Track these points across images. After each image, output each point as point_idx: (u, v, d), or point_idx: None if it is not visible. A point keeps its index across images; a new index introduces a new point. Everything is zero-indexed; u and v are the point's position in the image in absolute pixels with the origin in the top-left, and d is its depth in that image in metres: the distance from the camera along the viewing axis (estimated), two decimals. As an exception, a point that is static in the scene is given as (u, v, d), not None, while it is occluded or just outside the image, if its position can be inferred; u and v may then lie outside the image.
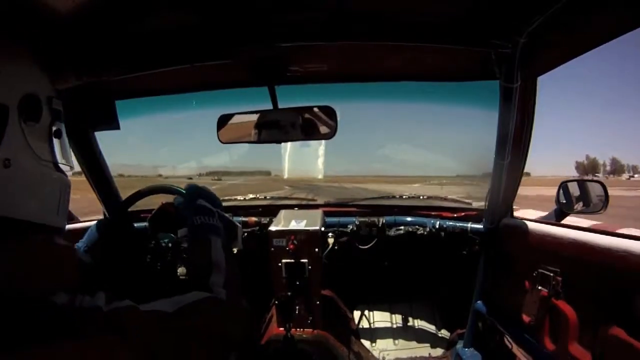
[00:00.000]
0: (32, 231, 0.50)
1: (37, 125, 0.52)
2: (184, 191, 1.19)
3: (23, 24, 0.72)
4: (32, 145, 0.51)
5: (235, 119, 1.27)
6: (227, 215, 1.45)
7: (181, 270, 1.14)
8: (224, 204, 1.84)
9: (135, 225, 1.10)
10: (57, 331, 0.39)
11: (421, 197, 1.84)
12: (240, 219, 1.65)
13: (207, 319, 0.55)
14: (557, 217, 1.38)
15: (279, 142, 1.31)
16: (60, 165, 0.58)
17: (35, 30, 0.77)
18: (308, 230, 1.46)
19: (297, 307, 1.51)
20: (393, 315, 1.96)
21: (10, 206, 0.48)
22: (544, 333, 1.09)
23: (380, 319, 1.96)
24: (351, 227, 1.58)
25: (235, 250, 1.45)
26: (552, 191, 1.39)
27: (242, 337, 0.62)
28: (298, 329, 1.51)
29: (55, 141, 0.57)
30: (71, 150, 1.37)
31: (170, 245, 1.10)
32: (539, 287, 1.08)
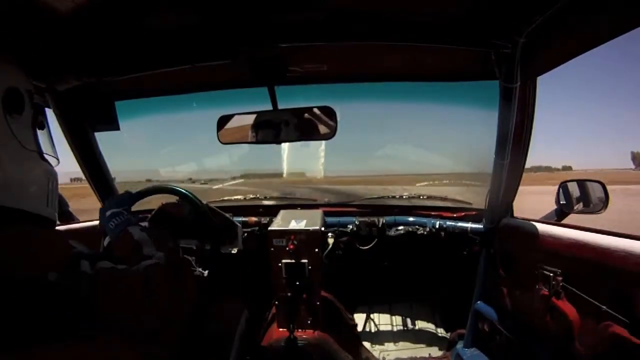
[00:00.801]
0: (26, 221, 0.52)
1: (21, 117, 0.55)
2: (182, 190, 1.20)
3: (23, 23, 0.72)
4: (18, 136, 0.53)
5: (235, 120, 1.27)
6: (227, 215, 1.45)
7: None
8: (224, 204, 1.85)
9: None
10: (57, 330, 0.39)
11: (421, 197, 1.84)
12: (240, 219, 1.65)
13: (159, 275, 0.64)
14: (557, 217, 1.38)
15: (279, 142, 1.31)
16: (46, 157, 0.61)
17: (35, 30, 0.77)
18: (308, 230, 1.46)
19: (297, 308, 1.50)
20: (393, 316, 1.96)
21: (2, 194, 0.49)
22: (545, 333, 1.09)
23: (381, 319, 1.96)
24: (351, 227, 1.57)
25: (235, 250, 1.45)
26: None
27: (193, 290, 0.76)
28: (298, 330, 1.51)
29: (40, 133, 0.60)
30: (71, 151, 1.38)
31: None
32: (539, 287, 1.08)
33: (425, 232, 1.54)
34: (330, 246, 1.49)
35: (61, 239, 0.58)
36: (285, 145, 2.02)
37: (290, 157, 2.29)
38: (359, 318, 1.95)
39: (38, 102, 0.59)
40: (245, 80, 1.29)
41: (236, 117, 1.26)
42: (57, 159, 0.65)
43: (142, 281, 0.58)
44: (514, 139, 1.14)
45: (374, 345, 1.84)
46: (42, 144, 0.60)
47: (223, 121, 1.27)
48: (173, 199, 1.28)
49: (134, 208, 1.07)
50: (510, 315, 1.30)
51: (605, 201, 1.26)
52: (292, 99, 1.29)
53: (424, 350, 1.80)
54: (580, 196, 1.34)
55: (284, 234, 1.47)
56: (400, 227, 1.57)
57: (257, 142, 1.28)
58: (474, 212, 1.59)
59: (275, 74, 1.18)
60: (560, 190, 1.37)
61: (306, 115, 1.22)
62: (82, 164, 1.43)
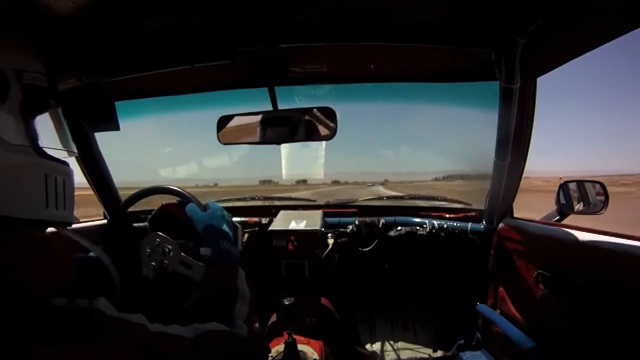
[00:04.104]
0: (14, 227, 0.45)
1: (3, 105, 0.44)
2: (186, 194, 1.18)
3: (22, 23, 0.72)
4: None
5: (235, 120, 1.27)
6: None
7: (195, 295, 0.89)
8: (224, 205, 1.85)
9: (135, 225, 1.10)
10: (57, 333, 0.39)
11: (421, 198, 1.84)
12: (240, 219, 1.65)
13: (224, 353, 0.52)
14: (557, 218, 1.38)
15: (279, 143, 1.31)
16: (54, 152, 0.51)
17: (34, 31, 0.77)
18: (308, 230, 1.46)
19: (297, 310, 1.50)
20: (393, 318, 1.95)
21: None
22: (544, 333, 1.09)
23: (381, 321, 1.95)
24: (351, 227, 1.57)
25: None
26: None
27: None
28: (298, 334, 1.50)
29: (44, 124, 0.51)
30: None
31: (171, 253, 0.89)
32: (539, 287, 1.08)
33: (425, 233, 1.54)
34: (330, 247, 1.49)
35: (64, 246, 0.51)
36: (285, 146, 2.02)
37: (289, 158, 2.29)
38: (359, 319, 1.95)
39: (30, 82, 0.49)
40: (245, 81, 1.29)
41: (236, 117, 1.26)
42: (70, 152, 0.56)
43: (196, 350, 0.47)
44: (514, 139, 1.14)
45: (374, 347, 1.84)
46: (49, 136, 0.51)
47: (223, 122, 1.27)
48: (172, 199, 1.27)
49: (134, 208, 1.07)
50: (510, 315, 1.29)
51: (605, 201, 1.26)
52: (292, 99, 1.29)
53: (424, 352, 1.80)
54: (580, 196, 1.34)
55: (284, 235, 1.46)
56: (400, 228, 1.57)
57: (257, 142, 1.28)
58: (474, 213, 1.59)
59: (275, 74, 1.18)
60: (561, 190, 1.36)
61: (306, 116, 1.22)
62: (82, 163, 1.43)
